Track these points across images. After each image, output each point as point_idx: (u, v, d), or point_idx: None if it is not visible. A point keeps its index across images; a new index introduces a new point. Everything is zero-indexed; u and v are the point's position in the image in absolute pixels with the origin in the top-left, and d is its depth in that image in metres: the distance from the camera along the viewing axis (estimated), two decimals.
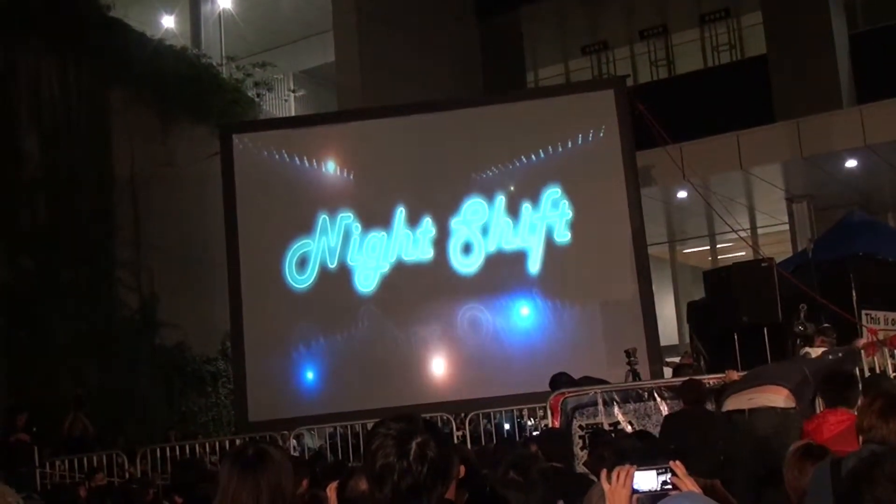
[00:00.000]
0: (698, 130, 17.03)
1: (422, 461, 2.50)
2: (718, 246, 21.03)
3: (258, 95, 19.68)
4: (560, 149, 13.40)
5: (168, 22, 20.21)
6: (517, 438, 11.12)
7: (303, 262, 13.47)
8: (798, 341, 9.11)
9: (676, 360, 13.31)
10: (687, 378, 8.19)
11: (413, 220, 13.40)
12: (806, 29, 19.44)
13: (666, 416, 8.13)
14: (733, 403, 6.35)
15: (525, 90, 21.60)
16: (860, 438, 3.96)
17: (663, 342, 14.20)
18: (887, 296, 11.45)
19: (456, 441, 11.02)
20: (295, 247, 13.52)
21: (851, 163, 16.62)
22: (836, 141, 16.04)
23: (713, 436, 6.44)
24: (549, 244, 13.24)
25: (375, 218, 13.54)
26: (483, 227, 13.31)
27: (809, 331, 9.02)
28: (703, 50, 22.26)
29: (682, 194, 17.62)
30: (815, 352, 8.09)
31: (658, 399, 9.01)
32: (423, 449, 2.51)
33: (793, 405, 6.05)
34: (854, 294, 10.94)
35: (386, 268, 13.39)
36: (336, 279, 13.46)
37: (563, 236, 13.26)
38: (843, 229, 13.67)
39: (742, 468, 5.44)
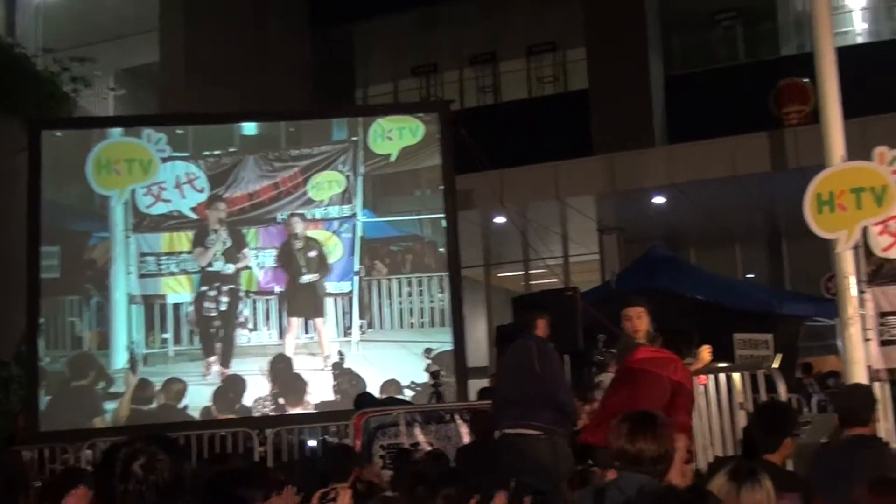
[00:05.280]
0: (519, 158, 17.47)
1: (145, 482, 2.51)
2: (532, 271, 21.56)
3: (75, 91, 18.91)
4: (380, 167, 13.46)
5: None
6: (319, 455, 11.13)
7: None
8: (594, 369, 9.47)
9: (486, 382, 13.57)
10: (475, 411, 8.47)
11: (218, 231, 13.15)
12: (625, 68, 20.30)
13: (458, 448, 8.32)
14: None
15: (352, 106, 21.68)
16: (615, 463, 4.12)
17: (475, 364, 14.47)
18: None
19: (257, 458, 10.92)
20: None
21: (659, 199, 17.38)
22: (647, 178, 16.74)
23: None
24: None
25: None
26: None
27: (606, 359, 9.36)
28: (529, 80, 22.90)
29: (500, 219, 18.01)
30: (607, 378, 8.46)
31: (459, 421, 9.19)
32: (146, 470, 2.52)
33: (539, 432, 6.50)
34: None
35: (190, 278, 13.05)
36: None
37: None
38: (644, 263, 14.28)
39: (519, 489, 5.74)
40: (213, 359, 12.86)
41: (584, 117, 20.66)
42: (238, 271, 13.08)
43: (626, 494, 3.76)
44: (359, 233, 13.30)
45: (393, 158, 13.53)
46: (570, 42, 22.32)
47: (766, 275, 20.04)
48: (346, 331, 13.15)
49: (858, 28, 21.35)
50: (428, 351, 12.90)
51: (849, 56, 16.41)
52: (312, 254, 13.19)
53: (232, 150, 13.60)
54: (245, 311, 13.08)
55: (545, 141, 19.52)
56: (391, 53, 23.89)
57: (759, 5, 21.54)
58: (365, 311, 13.15)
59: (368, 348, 13.08)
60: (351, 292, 13.19)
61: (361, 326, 13.10)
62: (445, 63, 23.51)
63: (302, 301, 13.18)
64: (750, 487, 3.63)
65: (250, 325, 13.06)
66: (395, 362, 13.03)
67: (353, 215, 13.33)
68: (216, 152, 13.48)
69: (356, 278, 13.21)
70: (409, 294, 13.36)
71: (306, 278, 13.14)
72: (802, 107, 16.40)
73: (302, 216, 13.26)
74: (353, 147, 13.55)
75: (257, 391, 12.75)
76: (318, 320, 13.18)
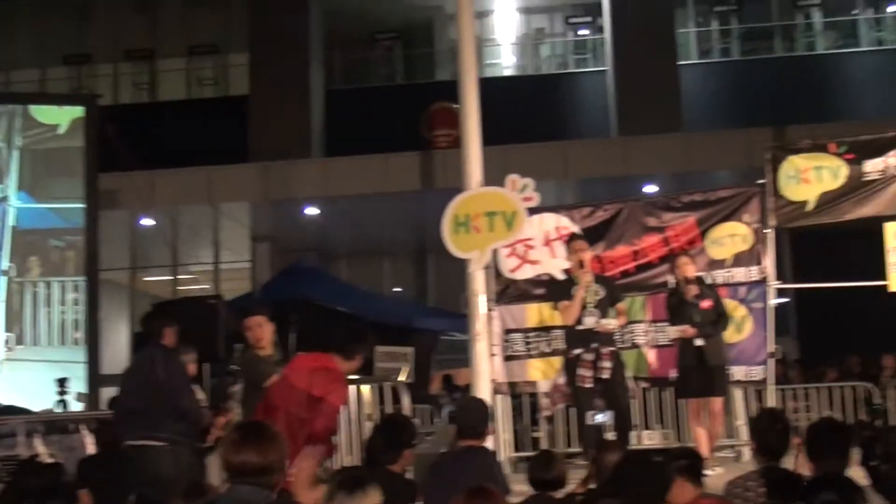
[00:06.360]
0: (174, 160, 16.98)
1: None
2: (181, 277, 20.99)
3: None
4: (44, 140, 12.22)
5: None
6: None
7: None
8: (229, 378, 9.39)
9: None
10: (102, 421, 8.19)
11: None
12: (287, 77, 20.35)
13: (80, 460, 7.93)
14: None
15: None
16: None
17: (115, 370, 13.76)
18: (324, 340, 12.14)
19: None
20: None
21: (313, 210, 17.54)
22: (301, 188, 16.83)
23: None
24: None
25: None
26: None
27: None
28: (189, 81, 22.36)
29: (148, 222, 17.39)
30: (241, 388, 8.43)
31: (84, 431, 8.76)
32: None
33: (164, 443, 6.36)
34: (292, 336, 11.47)
35: None
36: None
37: None
38: (291, 274, 14.39)
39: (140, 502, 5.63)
40: None
41: (243, 123, 20.46)
42: None
43: None
44: (10, 221, 11.51)
45: (62, 130, 11.90)
46: (234, 46, 22.04)
47: (414, 289, 20.79)
48: None
49: (506, 61, 22.76)
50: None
51: (495, 87, 17.53)
52: None
53: None
54: None
55: (201, 144, 19.10)
56: (40, 39, 22.38)
57: (418, 30, 22.41)
58: (14, 321, 11.42)
59: (17, 370, 11.33)
60: None
61: (8, 342, 11.34)
62: (100, 55, 22.40)
63: None
64: (348, 495, 3.73)
65: None
66: (53, 388, 10.99)
67: (5, 198, 11.57)
68: None
69: (4, 279, 11.52)
70: (76, 302, 11.73)
71: None
72: (451, 131, 17.13)
73: None
74: (7, 113, 11.69)
75: None
76: None
